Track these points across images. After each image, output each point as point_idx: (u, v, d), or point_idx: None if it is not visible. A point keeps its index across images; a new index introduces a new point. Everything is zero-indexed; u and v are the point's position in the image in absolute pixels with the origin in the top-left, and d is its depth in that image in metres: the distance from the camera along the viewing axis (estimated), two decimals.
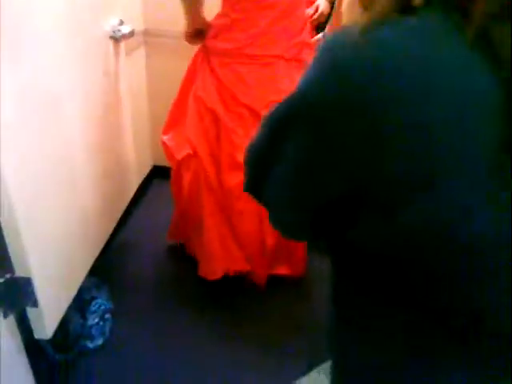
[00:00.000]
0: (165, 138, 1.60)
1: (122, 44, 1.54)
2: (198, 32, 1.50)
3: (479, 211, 0.34)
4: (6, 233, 1.00)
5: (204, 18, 1.47)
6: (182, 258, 1.83)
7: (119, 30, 1.46)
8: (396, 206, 0.35)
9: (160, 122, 2.23)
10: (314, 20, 1.48)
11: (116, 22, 1.46)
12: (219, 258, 1.57)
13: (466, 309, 0.41)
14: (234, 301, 1.70)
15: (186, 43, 2.01)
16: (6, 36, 0.89)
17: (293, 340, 1.54)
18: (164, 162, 2.33)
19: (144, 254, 1.92)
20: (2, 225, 0.99)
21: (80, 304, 1.49)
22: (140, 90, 2.11)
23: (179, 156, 1.54)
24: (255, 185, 0.48)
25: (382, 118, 0.33)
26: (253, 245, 1.55)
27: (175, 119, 1.60)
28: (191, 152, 1.50)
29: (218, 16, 1.44)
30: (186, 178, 1.55)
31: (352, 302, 0.48)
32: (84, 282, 1.41)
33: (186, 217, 1.67)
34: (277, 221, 0.47)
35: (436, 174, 0.33)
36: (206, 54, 1.49)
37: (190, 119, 1.50)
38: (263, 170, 0.45)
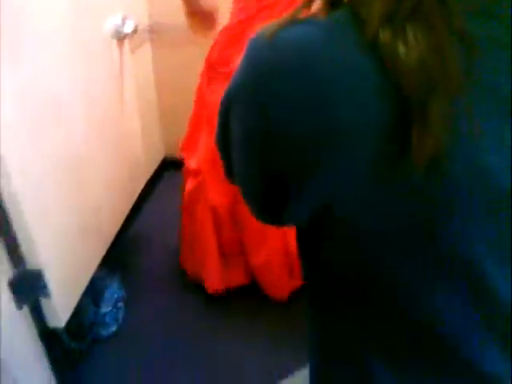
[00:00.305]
0: (182, 155, 1.60)
1: (126, 41, 1.57)
2: (199, 15, 1.37)
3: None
4: (15, 226, 1.06)
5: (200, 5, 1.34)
6: None
7: (122, 28, 1.49)
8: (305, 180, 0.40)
9: (169, 115, 2.29)
10: None
11: (119, 19, 1.49)
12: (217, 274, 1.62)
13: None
14: (249, 290, 1.73)
15: (192, 36, 2.05)
16: (6, 35, 0.93)
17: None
18: (174, 154, 2.39)
19: (155, 245, 1.97)
20: (12, 218, 1.05)
21: (93, 293, 1.55)
22: (148, 84, 2.14)
23: (189, 165, 1.56)
24: (227, 170, 0.52)
25: (277, 115, 0.39)
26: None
27: (191, 136, 1.59)
28: (196, 168, 1.52)
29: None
30: (189, 186, 1.58)
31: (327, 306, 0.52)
32: (97, 272, 1.47)
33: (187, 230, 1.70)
34: (245, 202, 0.51)
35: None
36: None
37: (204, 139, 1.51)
38: (225, 153, 0.49)
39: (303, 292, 0.57)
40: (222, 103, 0.47)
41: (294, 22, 0.39)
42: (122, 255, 1.83)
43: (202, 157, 1.50)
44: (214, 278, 1.62)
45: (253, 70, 0.40)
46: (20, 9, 0.98)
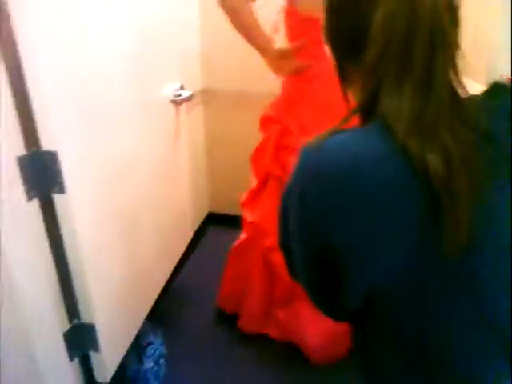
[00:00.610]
0: (243, 210, 1.64)
1: (182, 106, 1.68)
2: (279, 54, 1.37)
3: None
4: (74, 281, 1.12)
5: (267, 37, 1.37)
6: None
7: (180, 95, 1.61)
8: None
9: (216, 171, 2.39)
10: None
11: (177, 86, 1.62)
12: (257, 318, 1.63)
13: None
14: (287, 352, 1.70)
15: (242, 100, 2.18)
16: (80, 101, 1.03)
17: None
18: (219, 209, 2.47)
19: (197, 300, 1.98)
20: (71, 273, 1.10)
21: (137, 348, 1.57)
22: (198, 144, 2.26)
23: (248, 218, 1.60)
24: (290, 268, 0.56)
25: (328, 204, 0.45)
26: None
27: (254, 193, 1.62)
28: (255, 221, 1.56)
29: None
30: (244, 235, 1.62)
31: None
32: (141, 327, 1.49)
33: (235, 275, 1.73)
34: (307, 294, 0.53)
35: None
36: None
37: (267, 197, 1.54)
38: (287, 251, 0.54)
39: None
40: (279, 207, 0.56)
41: (337, 131, 0.47)
42: (164, 309, 1.85)
43: (263, 211, 1.55)
44: (252, 318, 1.64)
45: (301, 176, 0.48)
46: (91, 76, 1.08)
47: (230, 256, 1.70)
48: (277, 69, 1.42)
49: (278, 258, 1.51)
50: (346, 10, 0.49)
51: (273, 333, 1.70)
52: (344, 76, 0.54)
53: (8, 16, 0.82)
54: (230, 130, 2.28)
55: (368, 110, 0.47)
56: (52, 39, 0.91)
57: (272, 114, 1.50)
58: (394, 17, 0.43)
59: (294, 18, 1.32)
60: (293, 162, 1.36)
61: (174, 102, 1.60)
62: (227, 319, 1.85)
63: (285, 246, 0.56)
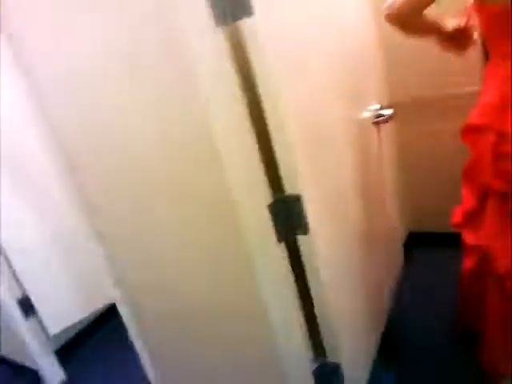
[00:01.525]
0: (459, 230, 1.47)
1: (382, 127, 1.62)
2: (448, 35, 1.35)
3: None
4: (320, 319, 1.12)
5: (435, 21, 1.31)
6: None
7: (381, 115, 1.54)
8: None
9: (412, 187, 2.23)
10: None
11: (377, 106, 1.56)
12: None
13: None
14: None
15: (433, 108, 2.01)
16: (310, 141, 1.05)
17: None
18: (420, 228, 2.29)
19: (418, 330, 1.83)
20: (317, 312, 1.11)
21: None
22: (392, 160, 2.15)
23: (469, 241, 1.43)
24: None
25: None
26: None
27: (471, 210, 1.43)
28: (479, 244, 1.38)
29: None
30: (469, 263, 1.44)
31: None
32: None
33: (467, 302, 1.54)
34: None
35: None
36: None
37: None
38: None
39: None
40: None
41: None
42: (389, 340, 1.76)
43: (487, 231, 1.35)
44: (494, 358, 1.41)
45: None
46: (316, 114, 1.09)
47: (462, 285, 1.52)
48: (456, 49, 1.38)
49: None
50: None
51: None
52: None
53: None
54: (424, 143, 2.12)
55: None
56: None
57: (479, 121, 1.30)
58: None
59: (486, 14, 1.18)
60: None
61: (376, 123, 1.54)
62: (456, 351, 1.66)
63: None
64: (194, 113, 0.87)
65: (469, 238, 1.41)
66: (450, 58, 1.43)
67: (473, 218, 1.40)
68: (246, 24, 0.84)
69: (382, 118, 1.55)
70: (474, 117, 1.33)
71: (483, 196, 1.35)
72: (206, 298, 1.12)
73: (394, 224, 1.82)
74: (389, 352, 1.65)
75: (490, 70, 1.30)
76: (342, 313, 1.17)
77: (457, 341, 1.65)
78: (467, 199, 1.41)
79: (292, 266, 1.04)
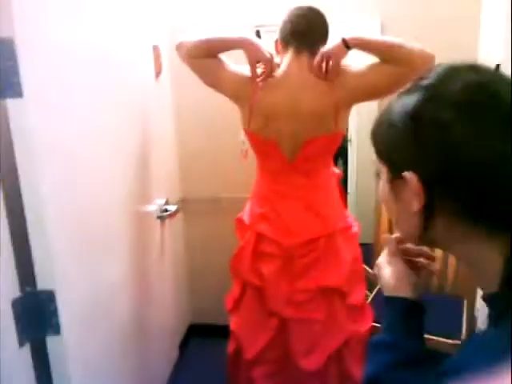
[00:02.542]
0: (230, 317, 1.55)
1: (167, 221, 1.68)
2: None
3: None
4: None
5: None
6: None
7: (166, 210, 1.61)
8: None
9: (196, 280, 2.32)
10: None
11: (163, 202, 1.63)
12: None
13: None
14: None
15: (216, 207, 2.21)
16: (75, 235, 1.01)
17: None
18: (201, 319, 2.36)
19: None
20: None
21: None
22: (179, 250, 2.22)
23: (231, 325, 1.51)
24: None
25: None
26: None
27: (235, 300, 1.53)
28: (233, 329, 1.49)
29: None
30: (231, 346, 1.53)
31: None
32: None
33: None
34: None
35: None
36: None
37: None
38: None
39: None
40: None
41: None
42: None
43: (239, 318, 1.47)
44: None
45: None
46: (89, 197, 1.07)
47: (228, 369, 1.57)
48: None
49: (258, 373, 1.42)
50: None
51: None
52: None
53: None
54: (210, 236, 2.28)
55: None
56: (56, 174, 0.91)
57: (248, 220, 1.47)
58: None
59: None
60: (269, 269, 1.32)
61: (160, 217, 1.60)
62: None
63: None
64: None
65: (232, 323, 1.50)
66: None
67: (236, 305, 1.50)
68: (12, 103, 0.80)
69: (167, 212, 1.62)
70: (246, 216, 1.48)
71: (244, 286, 1.48)
72: None
73: (171, 316, 1.83)
74: None
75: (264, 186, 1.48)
76: None
77: None
78: (235, 286, 1.52)
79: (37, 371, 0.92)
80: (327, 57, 1.26)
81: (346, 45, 1.23)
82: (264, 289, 1.39)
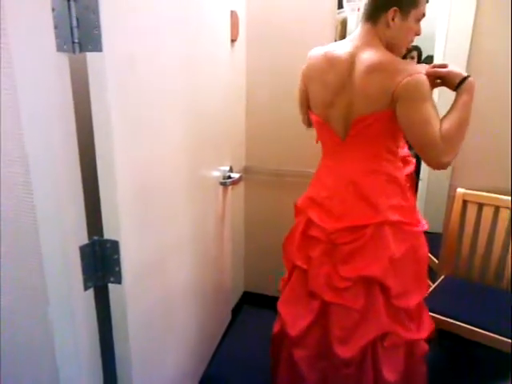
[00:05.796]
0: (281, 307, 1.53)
1: (229, 189, 1.69)
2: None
3: None
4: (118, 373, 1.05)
5: None
6: None
7: (229, 177, 1.62)
8: None
9: (253, 250, 2.35)
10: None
11: (227, 169, 1.64)
12: None
13: None
14: None
15: (279, 180, 2.19)
16: (139, 194, 1.04)
17: None
18: (254, 288, 2.40)
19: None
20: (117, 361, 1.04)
21: None
22: (238, 220, 2.25)
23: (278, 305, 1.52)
24: None
25: None
26: None
27: (284, 282, 1.56)
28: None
29: None
30: (276, 327, 1.53)
31: None
32: None
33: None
34: None
35: None
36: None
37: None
38: None
39: None
40: None
41: None
42: None
43: (283, 298, 1.49)
44: None
45: None
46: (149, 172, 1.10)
47: (271, 348, 1.60)
48: None
49: (299, 355, 1.42)
50: None
51: None
52: None
53: None
54: (268, 208, 2.28)
55: None
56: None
57: (300, 205, 1.48)
58: None
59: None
60: (315, 253, 1.32)
61: (223, 183, 1.61)
62: None
63: None
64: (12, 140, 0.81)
65: (279, 302, 1.52)
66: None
67: (285, 285, 1.52)
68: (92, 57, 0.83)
69: (230, 179, 1.63)
70: (300, 199, 1.48)
71: (292, 269, 1.49)
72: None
73: (227, 281, 1.87)
74: None
75: (320, 169, 1.46)
76: (145, 372, 1.13)
77: None
78: (286, 267, 1.53)
79: (98, 317, 0.98)
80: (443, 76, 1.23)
81: (460, 83, 1.19)
82: (309, 271, 1.39)
